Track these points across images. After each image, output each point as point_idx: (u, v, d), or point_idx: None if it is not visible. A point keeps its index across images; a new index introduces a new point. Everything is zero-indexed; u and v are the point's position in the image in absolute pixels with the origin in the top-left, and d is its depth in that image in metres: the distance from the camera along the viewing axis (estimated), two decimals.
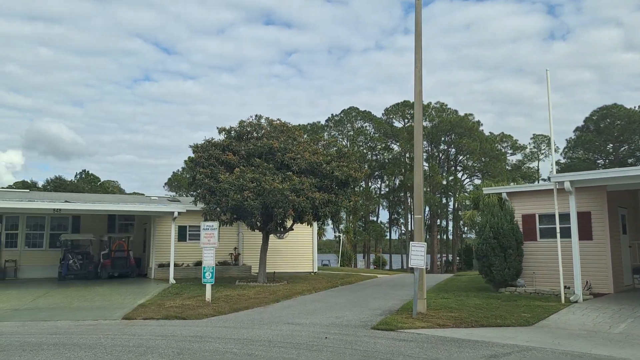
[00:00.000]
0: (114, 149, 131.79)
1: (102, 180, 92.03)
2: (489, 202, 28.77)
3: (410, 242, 11.39)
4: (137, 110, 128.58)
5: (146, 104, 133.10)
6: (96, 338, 8.75)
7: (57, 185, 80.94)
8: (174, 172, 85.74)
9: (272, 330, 9.68)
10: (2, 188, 26.83)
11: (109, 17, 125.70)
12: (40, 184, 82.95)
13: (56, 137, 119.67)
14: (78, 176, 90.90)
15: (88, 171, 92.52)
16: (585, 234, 15.50)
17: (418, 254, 11.10)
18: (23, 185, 75.56)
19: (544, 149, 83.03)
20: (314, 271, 26.19)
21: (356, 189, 23.18)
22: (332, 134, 69.51)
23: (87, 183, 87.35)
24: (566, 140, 74.93)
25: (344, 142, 66.56)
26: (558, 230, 14.26)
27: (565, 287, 14.03)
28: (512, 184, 56.28)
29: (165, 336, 9.00)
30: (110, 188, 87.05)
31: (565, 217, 14.65)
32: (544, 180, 68.69)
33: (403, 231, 76.56)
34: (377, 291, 18.08)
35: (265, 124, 20.99)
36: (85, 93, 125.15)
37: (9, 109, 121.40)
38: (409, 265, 11.36)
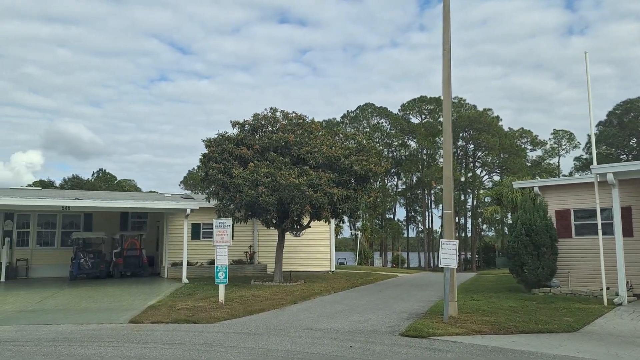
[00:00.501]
0: (132, 149, 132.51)
1: (118, 179, 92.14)
2: (512, 198, 27.58)
3: (441, 240, 10.40)
4: (153, 110, 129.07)
5: (162, 103, 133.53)
6: (95, 347, 7.92)
7: (74, 184, 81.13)
8: (189, 171, 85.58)
9: (290, 337, 8.76)
10: (12, 188, 26.28)
11: (125, 18, 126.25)
12: (57, 183, 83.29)
13: (75, 137, 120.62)
14: (95, 175, 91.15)
15: (105, 170, 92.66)
16: (626, 230, 14.31)
17: (449, 252, 10.09)
18: (40, 184, 75.81)
19: (565, 144, 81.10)
20: (332, 270, 25.26)
21: (376, 184, 22.16)
22: (347, 130, 68.46)
23: (104, 182, 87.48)
24: (588, 135, 72.87)
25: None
26: (600, 226, 13.16)
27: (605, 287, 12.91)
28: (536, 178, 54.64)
29: (171, 344, 8.13)
30: (126, 187, 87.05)
31: (603, 213, 13.53)
32: (565, 177, 66.81)
33: (420, 229, 75.26)
34: (400, 291, 17.09)
35: (281, 117, 20.10)
36: (104, 93, 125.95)
37: (30, 109, 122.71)
38: (439, 265, 10.37)
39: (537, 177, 57.31)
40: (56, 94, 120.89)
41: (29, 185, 70.40)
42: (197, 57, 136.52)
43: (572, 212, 15.72)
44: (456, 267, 10.24)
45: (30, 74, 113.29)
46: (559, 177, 69.14)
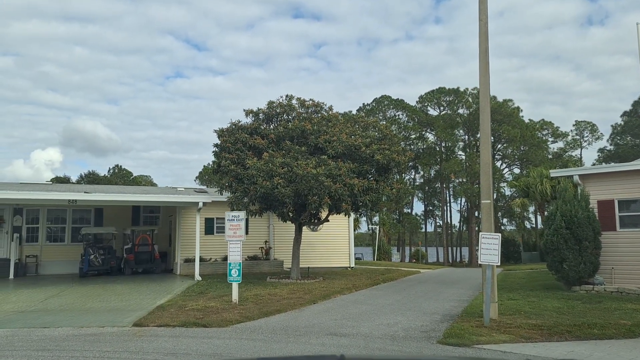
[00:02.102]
0: (148, 145, 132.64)
1: (134, 175, 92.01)
2: (542, 190, 26.15)
3: (480, 233, 9.21)
4: (169, 106, 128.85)
5: (178, 100, 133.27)
6: (89, 358, 6.90)
7: (90, 180, 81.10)
8: (204, 166, 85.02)
9: (312, 345, 7.65)
10: (21, 182, 25.60)
11: (141, 15, 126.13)
12: (74, 179, 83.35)
13: (92, 135, 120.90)
14: (111, 171, 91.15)
15: (121, 166, 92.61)
16: None
17: (490, 247, 8.89)
18: (57, 180, 75.82)
19: (587, 136, 78.83)
20: (351, 266, 24.13)
21: (398, 176, 20.94)
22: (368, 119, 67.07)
23: (120, 178, 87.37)
24: (612, 126, 70.68)
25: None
26: None
27: None
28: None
29: (175, 355, 7.07)
30: (142, 182, 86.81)
31: None
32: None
33: (439, 223, 73.69)
34: (426, 289, 15.92)
35: (297, 105, 18.95)
36: (120, 91, 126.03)
37: (48, 107, 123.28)
38: (479, 261, 9.20)
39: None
40: (74, 92, 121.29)
41: (47, 182, 70.48)
42: (212, 54, 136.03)
43: (616, 203, 14.36)
44: (499, 263, 9.04)
45: (48, 72, 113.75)
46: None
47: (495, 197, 68.56)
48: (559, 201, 14.20)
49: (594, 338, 8.08)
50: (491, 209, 9.76)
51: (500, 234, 9.09)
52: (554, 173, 16.28)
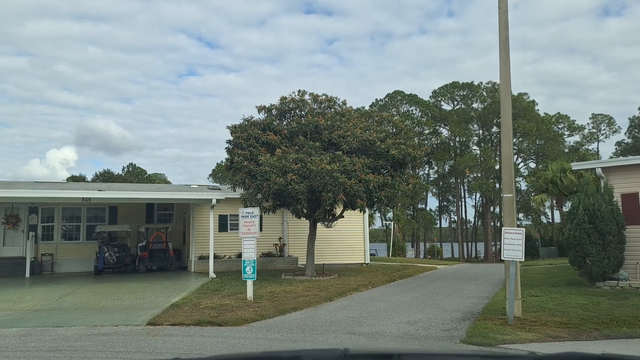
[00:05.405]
0: (162, 144, 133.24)
1: (148, 173, 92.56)
2: (565, 184, 25.55)
3: (503, 228, 8.89)
4: (182, 104, 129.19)
5: (191, 98, 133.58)
6: (101, 359, 6.74)
7: (105, 178, 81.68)
8: (217, 164, 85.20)
9: (331, 345, 7.40)
10: (36, 181, 25.69)
11: (153, 14, 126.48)
12: (89, 177, 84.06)
13: (106, 133, 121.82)
14: (125, 170, 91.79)
15: (135, 164, 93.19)
16: None
17: (514, 242, 8.57)
18: (72, 179, 76.52)
19: (604, 129, 77.48)
20: (366, 263, 23.87)
21: (413, 171, 20.56)
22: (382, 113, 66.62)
23: (134, 176, 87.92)
24: (629, 119, 69.34)
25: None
26: None
27: None
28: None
29: (189, 355, 6.88)
30: (156, 180, 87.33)
31: None
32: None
33: (453, 219, 73.05)
34: (444, 286, 15.60)
35: (310, 100, 18.70)
36: (133, 89, 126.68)
37: (62, 107, 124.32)
38: (502, 257, 8.87)
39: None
40: (88, 91, 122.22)
41: (61, 181, 71.12)
42: (224, 51, 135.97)
43: None
44: (523, 259, 8.71)
45: (62, 72, 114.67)
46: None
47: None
48: (581, 195, 13.78)
49: (624, 336, 7.74)
50: (513, 203, 9.43)
51: (524, 229, 8.74)
52: (576, 166, 15.82)
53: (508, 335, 7.62)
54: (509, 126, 9.78)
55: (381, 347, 6.93)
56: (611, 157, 69.94)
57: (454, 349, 6.86)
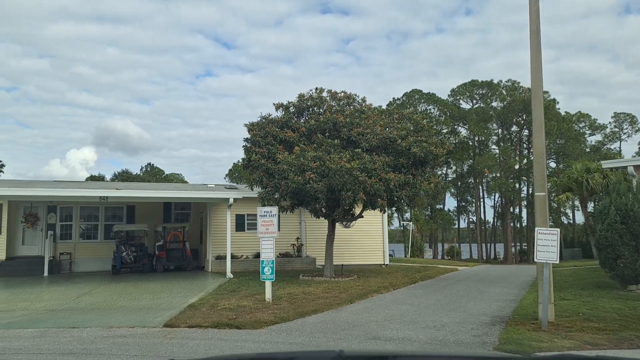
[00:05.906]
0: (179, 144, 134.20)
1: (166, 173, 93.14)
2: (593, 184, 24.80)
3: (536, 229, 8.43)
4: (199, 105, 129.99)
5: (208, 98, 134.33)
6: None
7: (123, 178, 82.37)
8: (234, 164, 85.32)
9: None
10: (55, 180, 25.75)
11: (171, 15, 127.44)
12: (108, 177, 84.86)
13: (124, 134, 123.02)
14: (143, 169, 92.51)
15: (153, 164, 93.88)
16: None
17: (548, 243, 8.10)
18: (92, 179, 77.32)
19: (627, 128, 75.72)
20: (385, 263, 23.42)
21: (436, 169, 20.00)
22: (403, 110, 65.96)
23: (152, 176, 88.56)
24: None
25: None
26: None
27: None
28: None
29: None
30: (173, 180, 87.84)
31: None
32: None
33: (472, 220, 72.05)
34: (467, 288, 15.11)
35: (328, 98, 18.33)
36: (151, 90, 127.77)
37: (82, 108, 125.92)
38: (535, 259, 8.41)
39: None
40: (106, 92, 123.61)
41: (79, 181, 71.86)
42: (241, 52, 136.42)
43: None
44: (557, 261, 8.23)
45: (81, 73, 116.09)
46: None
47: (530, 191, 66.50)
48: (612, 194, 13.19)
49: None
50: (546, 202, 8.95)
51: (558, 230, 8.27)
52: (606, 164, 15.24)
53: (544, 343, 7.17)
54: (541, 121, 9.31)
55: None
56: (633, 157, 68.35)
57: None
